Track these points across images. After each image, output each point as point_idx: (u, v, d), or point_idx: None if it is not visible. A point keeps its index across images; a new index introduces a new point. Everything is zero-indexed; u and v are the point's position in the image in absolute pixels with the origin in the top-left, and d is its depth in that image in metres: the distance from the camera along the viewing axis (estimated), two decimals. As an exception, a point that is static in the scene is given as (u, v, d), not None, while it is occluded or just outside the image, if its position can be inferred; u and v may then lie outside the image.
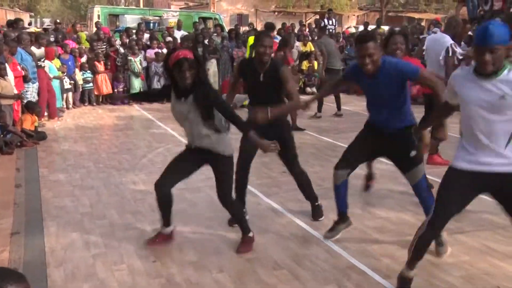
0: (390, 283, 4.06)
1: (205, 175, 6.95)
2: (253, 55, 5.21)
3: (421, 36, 16.61)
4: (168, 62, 4.25)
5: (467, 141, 3.47)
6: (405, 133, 4.46)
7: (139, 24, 16.54)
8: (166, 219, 4.75)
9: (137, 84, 13.86)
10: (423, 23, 23.63)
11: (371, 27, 19.72)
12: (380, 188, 6.43)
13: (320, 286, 4.05)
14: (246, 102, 6.70)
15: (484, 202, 5.36)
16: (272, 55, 5.21)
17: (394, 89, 4.36)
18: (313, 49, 16.59)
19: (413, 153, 4.46)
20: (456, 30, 7.50)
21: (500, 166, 3.34)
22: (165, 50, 14.35)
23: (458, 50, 7.29)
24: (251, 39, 12.12)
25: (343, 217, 4.91)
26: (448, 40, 7.22)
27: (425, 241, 3.71)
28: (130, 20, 19.22)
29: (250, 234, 4.74)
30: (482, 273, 4.25)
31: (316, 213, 5.49)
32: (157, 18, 19.08)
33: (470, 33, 10.70)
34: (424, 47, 7.76)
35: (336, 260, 4.52)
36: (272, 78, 4.99)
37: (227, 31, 17.37)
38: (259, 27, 25.26)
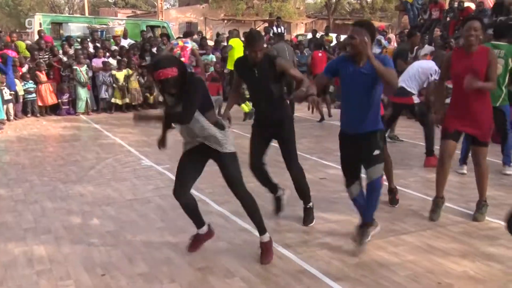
0: (341, 286, 4.12)
1: (154, 185, 6.91)
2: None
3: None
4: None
5: None
6: (376, 136, 4.68)
7: (91, 33, 16.34)
8: (198, 220, 4.77)
9: (83, 94, 13.64)
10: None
11: (319, 34, 19.98)
12: (329, 192, 6.53)
13: (273, 292, 4.04)
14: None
15: (428, 202, 5.45)
16: None
17: (376, 81, 4.51)
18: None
19: (376, 152, 4.62)
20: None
21: None
22: (111, 59, 14.20)
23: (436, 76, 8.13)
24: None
25: (371, 222, 4.92)
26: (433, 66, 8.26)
27: None
28: (75, 28, 18.93)
29: (266, 237, 4.61)
30: (426, 271, 4.40)
31: (307, 218, 5.55)
32: (104, 26, 18.83)
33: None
34: None
35: (287, 265, 4.53)
36: (267, 71, 5.12)
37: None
38: (208, 35, 25.24)
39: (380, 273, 4.36)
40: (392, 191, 6.19)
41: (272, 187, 5.65)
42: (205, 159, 4.67)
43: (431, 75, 8.18)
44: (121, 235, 5.23)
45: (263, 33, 19.91)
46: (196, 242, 4.81)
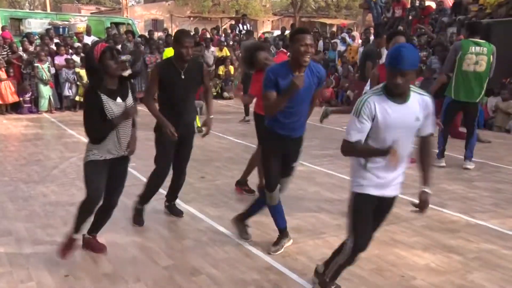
0: (306, 281, 4.17)
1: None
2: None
3: (332, 41, 17.06)
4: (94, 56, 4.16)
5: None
6: (301, 140, 4.76)
7: (47, 30, 16.05)
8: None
9: (45, 92, 13.47)
10: (333, 28, 24.26)
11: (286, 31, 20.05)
12: (295, 189, 6.52)
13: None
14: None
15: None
16: None
17: (313, 88, 4.48)
18: (228, 54, 16.70)
19: (295, 164, 4.81)
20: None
21: None
22: (75, 57, 14.04)
23: None
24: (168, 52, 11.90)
25: (285, 232, 4.93)
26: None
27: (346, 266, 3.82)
28: (35, 24, 18.52)
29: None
30: (389, 264, 4.50)
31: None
32: (66, 23, 18.55)
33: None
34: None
35: (254, 262, 4.56)
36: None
37: (138, 36, 17.24)
38: (174, 32, 25.13)
39: (346, 268, 4.40)
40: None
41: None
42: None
43: None
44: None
45: (229, 31, 19.97)
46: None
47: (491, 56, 7.44)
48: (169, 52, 11.71)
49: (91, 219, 4.59)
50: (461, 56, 7.54)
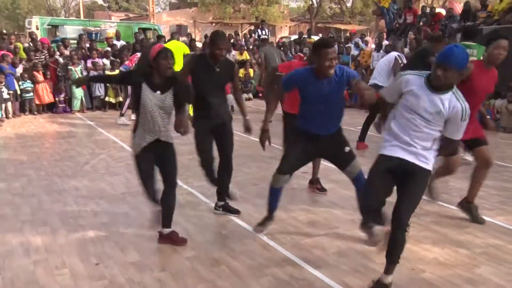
0: (321, 273, 4.16)
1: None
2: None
3: (346, 45, 16.98)
4: (151, 54, 4.36)
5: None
6: (339, 134, 4.68)
7: (80, 35, 16.19)
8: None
9: (78, 93, 13.56)
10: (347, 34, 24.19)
11: (302, 36, 20.05)
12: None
13: (257, 279, 4.06)
14: None
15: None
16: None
17: (340, 90, 4.47)
18: (248, 57, 16.71)
19: (347, 148, 4.64)
20: (398, 48, 9.19)
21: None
22: (105, 60, 14.13)
23: (404, 59, 8.67)
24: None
25: (272, 216, 4.95)
26: (393, 53, 8.71)
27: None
28: (70, 30, 18.77)
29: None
30: (401, 258, 4.37)
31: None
32: (97, 28, 18.74)
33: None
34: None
35: (272, 254, 4.55)
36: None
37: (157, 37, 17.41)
38: (198, 37, 25.17)
39: (358, 261, 4.41)
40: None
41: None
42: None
43: (399, 59, 8.48)
44: (114, 226, 5.22)
45: (248, 36, 19.99)
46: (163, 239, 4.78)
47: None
48: (171, 44, 11.70)
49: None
50: None
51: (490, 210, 5.78)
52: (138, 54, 12.02)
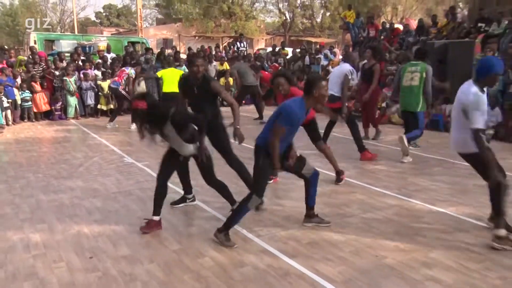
0: (296, 262, 4.19)
1: (135, 180, 6.88)
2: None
3: (316, 56, 17.07)
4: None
5: None
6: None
7: (75, 48, 16.11)
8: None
9: (72, 101, 13.47)
10: (317, 46, 24.36)
11: (277, 48, 20.12)
12: (287, 183, 6.56)
13: (237, 269, 4.08)
14: None
15: (368, 189, 5.53)
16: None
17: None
18: (228, 67, 16.72)
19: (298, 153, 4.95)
20: (352, 60, 8.70)
21: None
22: (96, 71, 14.06)
23: (354, 76, 8.62)
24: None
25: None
26: (346, 67, 8.30)
27: None
28: (65, 44, 18.70)
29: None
30: (365, 246, 4.53)
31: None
32: (90, 42, 18.64)
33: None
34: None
35: (251, 246, 4.57)
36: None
37: (145, 49, 17.40)
38: (182, 49, 25.11)
39: (328, 250, 4.45)
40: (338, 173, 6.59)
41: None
42: None
43: (349, 74, 8.33)
44: (106, 223, 5.19)
45: (228, 48, 20.01)
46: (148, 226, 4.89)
47: (424, 73, 7.64)
48: (168, 71, 11.64)
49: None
50: (401, 75, 8.10)
51: (443, 202, 5.87)
52: (126, 70, 11.84)
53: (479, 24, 14.30)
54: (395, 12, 34.04)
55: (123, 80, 11.62)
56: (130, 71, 11.78)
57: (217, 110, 5.64)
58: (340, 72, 8.39)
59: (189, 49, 19.60)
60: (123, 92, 11.63)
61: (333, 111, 8.01)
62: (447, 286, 3.80)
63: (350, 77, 8.33)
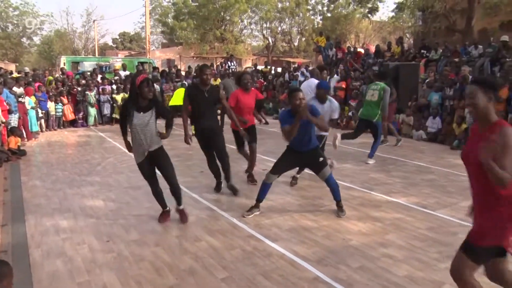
0: (277, 245, 4.19)
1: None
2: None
3: (295, 73, 17.10)
4: (136, 83, 4.30)
5: None
6: (316, 150, 4.92)
7: (94, 68, 16.09)
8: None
9: (92, 112, 13.36)
10: (295, 65, 24.42)
11: (260, 67, 20.17)
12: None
13: (228, 251, 4.08)
14: None
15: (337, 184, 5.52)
16: None
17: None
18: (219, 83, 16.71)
19: (320, 159, 4.89)
20: (318, 77, 8.32)
21: None
22: (113, 86, 13.96)
23: None
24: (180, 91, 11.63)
25: (258, 205, 5.05)
26: (314, 82, 8.03)
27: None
28: (88, 65, 18.78)
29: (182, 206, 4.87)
30: (335, 231, 4.55)
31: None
32: (107, 63, 18.68)
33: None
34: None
35: (240, 232, 4.56)
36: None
37: (153, 68, 17.45)
38: (182, 67, 25.00)
39: (304, 235, 4.45)
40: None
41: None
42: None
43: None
44: (119, 212, 5.16)
45: (220, 66, 19.99)
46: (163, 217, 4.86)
47: (382, 92, 7.69)
48: (179, 92, 11.61)
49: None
50: (365, 92, 8.16)
51: (396, 193, 5.92)
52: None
53: (422, 51, 14.62)
54: (357, 39, 34.25)
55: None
56: (155, 86, 11.75)
57: (216, 114, 5.65)
58: (309, 86, 8.39)
59: (189, 67, 19.52)
60: None
61: None
62: (398, 261, 3.84)
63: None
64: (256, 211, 5.01)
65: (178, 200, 4.80)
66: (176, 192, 4.74)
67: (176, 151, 8.71)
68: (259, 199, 5.02)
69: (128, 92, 4.63)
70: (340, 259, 3.87)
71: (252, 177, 6.41)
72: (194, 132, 5.71)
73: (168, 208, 4.89)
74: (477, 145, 2.44)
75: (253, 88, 6.31)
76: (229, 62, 19.51)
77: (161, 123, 4.53)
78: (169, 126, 4.60)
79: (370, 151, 7.95)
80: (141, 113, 4.35)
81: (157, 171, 4.69)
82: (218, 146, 5.54)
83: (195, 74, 15.94)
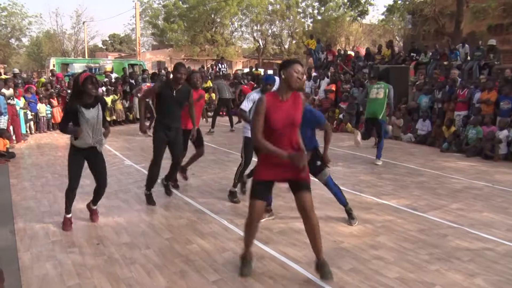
0: (268, 247, 4.20)
1: (133, 179, 6.80)
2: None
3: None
4: (79, 81, 4.28)
5: None
6: (313, 152, 4.74)
7: (84, 70, 15.92)
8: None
9: (82, 113, 13.26)
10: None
11: (246, 70, 20.26)
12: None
13: (220, 253, 4.07)
14: None
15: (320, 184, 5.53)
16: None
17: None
18: (211, 85, 16.69)
19: (318, 162, 4.77)
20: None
21: None
22: (103, 88, 13.90)
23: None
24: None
25: (269, 209, 5.01)
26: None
27: None
28: (78, 67, 18.73)
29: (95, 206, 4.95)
30: (326, 234, 4.51)
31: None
32: (97, 65, 18.62)
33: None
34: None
35: (231, 234, 4.56)
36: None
37: (142, 70, 17.42)
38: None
39: (295, 237, 4.45)
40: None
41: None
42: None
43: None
44: (109, 215, 5.13)
45: (211, 69, 19.98)
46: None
47: (387, 89, 7.73)
48: None
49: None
50: (368, 92, 8.07)
51: (387, 195, 5.96)
52: (148, 84, 12.02)
53: (412, 54, 14.77)
54: (347, 42, 34.44)
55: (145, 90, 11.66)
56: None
57: (180, 115, 5.54)
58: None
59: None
60: (149, 102, 11.52)
61: None
62: (389, 263, 3.87)
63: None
64: (267, 216, 4.93)
65: (95, 201, 4.90)
66: (101, 194, 4.83)
67: (167, 153, 8.69)
68: (268, 203, 4.98)
69: (71, 93, 4.61)
70: (331, 261, 3.86)
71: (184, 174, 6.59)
72: (154, 128, 5.56)
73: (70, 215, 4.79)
74: None
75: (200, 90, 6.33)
76: (219, 64, 19.51)
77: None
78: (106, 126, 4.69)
79: (377, 152, 8.01)
80: (90, 109, 4.39)
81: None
82: (178, 144, 5.52)
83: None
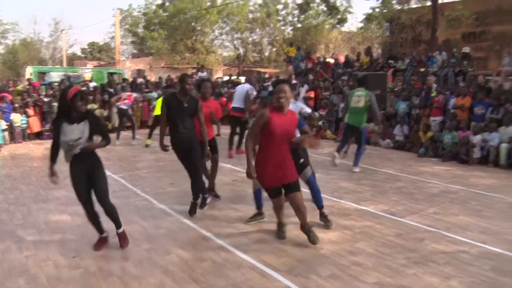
0: (247, 255, 4.17)
1: (111, 189, 6.51)
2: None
3: (265, 84, 17.20)
4: (68, 96, 4.02)
5: None
6: (296, 151, 4.68)
7: (62, 79, 15.76)
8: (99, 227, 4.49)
9: (60, 124, 13.03)
10: (266, 75, 24.58)
11: (233, 77, 20.20)
12: (240, 190, 6.55)
13: (199, 263, 4.03)
14: None
15: (306, 193, 5.57)
16: None
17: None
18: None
19: (301, 160, 4.81)
20: (251, 82, 9.67)
21: None
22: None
23: (254, 92, 9.41)
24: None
25: (261, 212, 5.11)
26: (247, 86, 9.23)
27: None
28: (55, 76, 18.38)
29: (121, 229, 4.49)
30: (305, 241, 4.47)
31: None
32: (76, 74, 18.35)
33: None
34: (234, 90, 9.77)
35: (210, 243, 4.53)
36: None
37: (123, 79, 17.22)
38: (153, 78, 24.78)
39: (274, 245, 4.44)
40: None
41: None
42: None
43: (248, 92, 9.00)
44: (87, 227, 4.97)
45: (192, 77, 19.90)
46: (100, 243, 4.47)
47: (369, 97, 7.71)
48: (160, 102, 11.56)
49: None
50: (349, 99, 7.96)
51: (366, 201, 6.01)
52: (133, 95, 12.04)
53: (390, 61, 14.99)
54: (327, 49, 34.80)
55: (133, 100, 11.86)
56: (136, 95, 12.31)
57: (193, 124, 5.26)
58: (242, 91, 9.12)
59: (159, 78, 19.40)
60: (129, 112, 11.71)
61: (237, 118, 9.04)
62: (368, 268, 3.89)
63: (250, 93, 8.98)
64: (260, 218, 5.12)
65: (113, 222, 4.57)
66: (110, 214, 4.58)
67: (145, 162, 8.61)
68: (258, 206, 5.11)
69: (58, 106, 4.33)
70: (310, 268, 3.89)
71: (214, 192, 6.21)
72: (171, 144, 5.33)
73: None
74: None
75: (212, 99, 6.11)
76: (200, 73, 19.48)
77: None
78: (104, 140, 4.39)
79: (354, 159, 8.01)
80: (74, 124, 4.11)
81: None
82: (193, 159, 5.23)
83: (165, 84, 15.85)
